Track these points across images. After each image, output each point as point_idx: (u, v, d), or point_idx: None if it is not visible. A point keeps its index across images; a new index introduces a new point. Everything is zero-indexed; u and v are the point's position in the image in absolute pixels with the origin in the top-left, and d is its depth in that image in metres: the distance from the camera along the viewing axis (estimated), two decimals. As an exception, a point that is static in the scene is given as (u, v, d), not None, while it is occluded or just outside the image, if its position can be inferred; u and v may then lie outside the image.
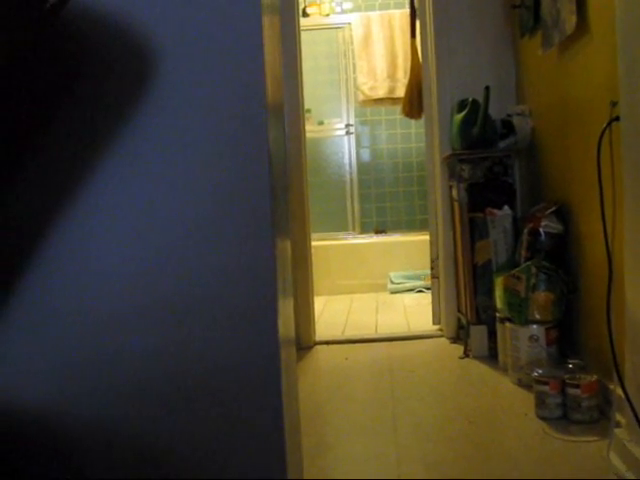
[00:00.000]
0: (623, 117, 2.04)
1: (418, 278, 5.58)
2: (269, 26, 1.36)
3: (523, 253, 2.94)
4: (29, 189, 1.23)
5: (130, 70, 1.24)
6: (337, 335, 4.03)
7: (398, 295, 5.48)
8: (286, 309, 1.38)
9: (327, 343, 3.84)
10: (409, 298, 5.33)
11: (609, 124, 2.17)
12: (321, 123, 6.25)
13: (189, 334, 1.24)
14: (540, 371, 2.53)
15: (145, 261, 1.24)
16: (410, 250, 5.80)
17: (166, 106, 1.24)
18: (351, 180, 6.36)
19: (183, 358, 1.24)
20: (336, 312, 4.90)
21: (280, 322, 1.27)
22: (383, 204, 6.47)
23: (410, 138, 6.43)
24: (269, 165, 1.26)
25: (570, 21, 2.58)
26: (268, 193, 1.26)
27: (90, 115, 1.23)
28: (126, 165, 1.23)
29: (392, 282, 5.68)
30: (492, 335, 3.24)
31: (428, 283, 4.90)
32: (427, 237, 5.39)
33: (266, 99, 1.26)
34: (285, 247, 1.45)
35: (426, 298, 5.04)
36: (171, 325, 1.23)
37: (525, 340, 2.80)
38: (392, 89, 6.06)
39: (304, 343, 3.74)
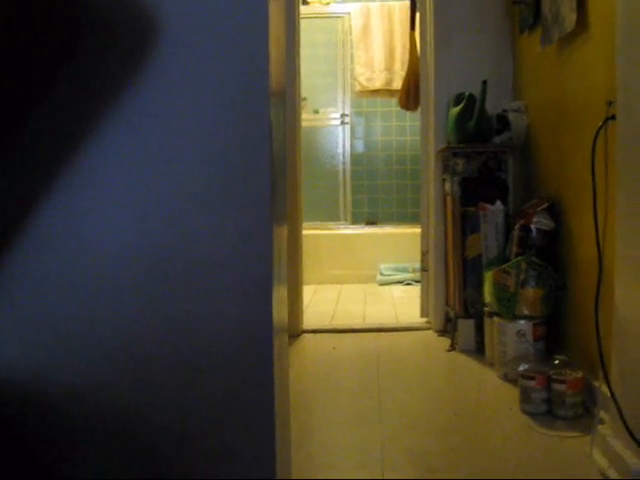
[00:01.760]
0: (619, 116, 2.05)
1: (407, 270, 5.59)
2: (275, 11, 1.35)
3: (514, 249, 2.95)
4: (25, 157, 1.22)
5: (132, 39, 1.23)
6: (325, 324, 4.04)
7: (387, 287, 5.50)
8: (280, 296, 1.39)
9: (315, 332, 3.84)
10: (398, 290, 5.35)
11: (604, 123, 2.17)
12: (316, 112, 6.24)
13: (182, 311, 1.24)
14: (526, 366, 2.54)
15: (143, 236, 1.24)
16: (400, 242, 5.80)
17: (168, 84, 1.23)
18: (344, 170, 6.36)
19: (177, 333, 1.24)
20: (325, 301, 4.90)
21: (274, 309, 1.27)
22: (375, 195, 6.47)
23: (405, 131, 6.42)
24: (270, 152, 1.26)
25: (570, 18, 2.58)
26: (268, 180, 1.26)
27: (90, 84, 1.22)
28: (125, 138, 1.23)
29: (381, 274, 5.69)
30: (479, 329, 3.25)
31: (417, 276, 4.93)
32: (418, 230, 5.44)
33: (269, 85, 1.25)
34: (281, 234, 1.45)
35: (415, 291, 5.05)
36: (166, 301, 1.23)
37: (512, 335, 2.81)
38: (389, 81, 6.05)
39: (291, 331, 3.74)
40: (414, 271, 5.29)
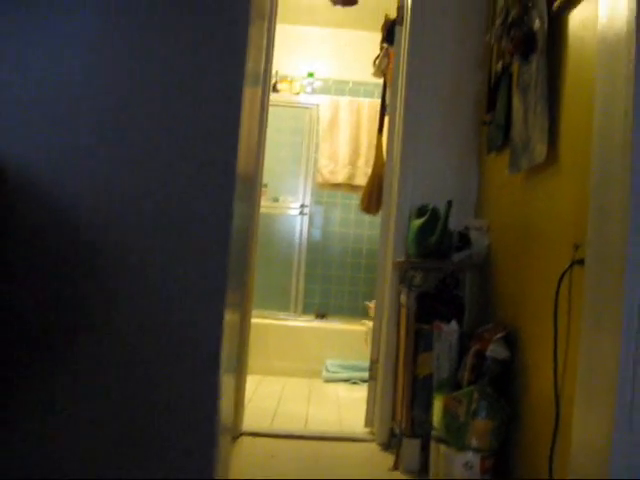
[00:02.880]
0: (589, 261, 2.00)
1: (354, 368, 5.47)
2: (249, 99, 1.38)
3: (466, 375, 2.86)
4: None
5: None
6: (265, 427, 3.88)
7: (332, 384, 5.36)
8: (228, 389, 1.32)
9: (254, 435, 3.68)
10: (343, 389, 5.22)
11: (570, 266, 2.13)
12: (276, 200, 6.19)
13: None
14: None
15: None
16: (349, 339, 5.71)
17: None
18: (299, 259, 6.28)
19: None
20: (268, 396, 4.74)
21: (220, 406, 1.20)
22: (328, 286, 6.41)
23: (363, 224, 6.40)
24: (229, 238, 1.26)
25: (540, 150, 2.57)
26: (225, 266, 1.25)
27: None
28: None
29: (327, 370, 5.55)
30: (425, 449, 3.13)
31: (364, 375, 4.81)
32: (365, 328, 5.39)
33: (237, 173, 1.27)
34: (234, 320, 1.41)
35: (360, 391, 4.94)
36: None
37: (459, 466, 2.71)
38: (352, 176, 6.05)
39: (232, 432, 3.57)
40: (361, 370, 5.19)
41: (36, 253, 1.43)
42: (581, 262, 2.06)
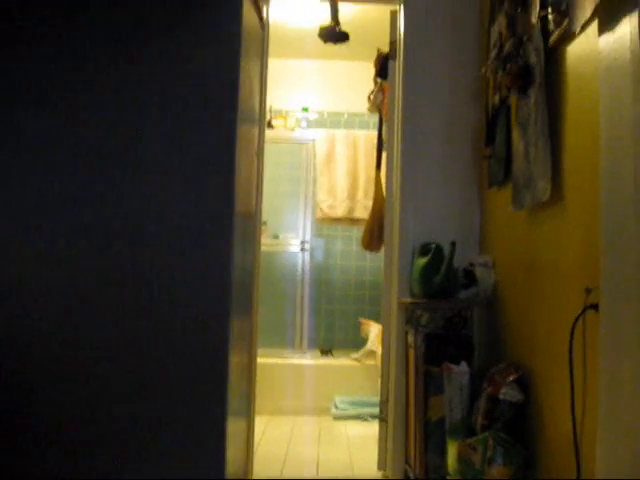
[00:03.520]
0: (603, 306, 1.94)
1: (363, 404, 5.39)
2: (245, 137, 1.36)
3: (479, 419, 2.78)
4: None
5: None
6: (276, 475, 3.79)
7: (342, 422, 5.26)
8: (237, 433, 1.28)
9: (265, 485, 3.60)
10: (353, 427, 5.12)
11: (583, 312, 2.06)
12: (276, 237, 6.13)
13: None
14: None
15: None
16: (357, 374, 5.63)
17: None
18: (302, 295, 6.21)
19: None
20: (276, 439, 4.65)
21: (229, 455, 1.16)
22: (332, 320, 6.34)
23: (365, 256, 6.33)
24: (229, 283, 1.22)
25: (544, 188, 2.50)
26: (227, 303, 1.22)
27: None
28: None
29: (337, 407, 5.46)
30: (441, 494, 3.05)
31: (374, 411, 4.73)
32: (373, 362, 5.32)
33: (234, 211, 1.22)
34: (240, 363, 1.37)
35: (371, 427, 4.86)
36: None
37: (478, 514, 2.62)
38: (351, 209, 6.00)
39: (240, 483, 3.49)
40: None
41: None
42: (594, 307, 1.99)
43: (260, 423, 4.49)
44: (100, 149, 1.43)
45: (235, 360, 1.29)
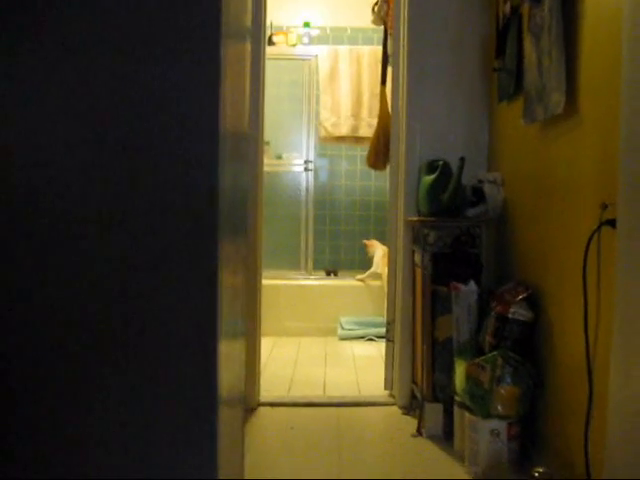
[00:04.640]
0: (620, 221, 1.85)
1: (369, 324, 5.38)
2: (234, 54, 1.28)
3: (488, 339, 2.74)
4: None
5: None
6: (282, 395, 3.78)
7: (348, 342, 5.26)
8: (232, 356, 1.25)
9: (272, 405, 3.59)
10: (359, 347, 5.12)
11: (599, 228, 1.98)
12: (279, 157, 6.01)
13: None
14: None
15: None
16: (362, 295, 5.61)
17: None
18: (306, 217, 6.13)
19: None
20: (283, 360, 4.65)
21: (221, 374, 1.12)
22: (337, 242, 6.28)
23: (370, 176, 6.23)
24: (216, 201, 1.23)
25: (557, 100, 2.39)
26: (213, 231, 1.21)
27: None
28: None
29: (342, 327, 5.46)
30: (448, 413, 3.04)
31: (380, 331, 4.73)
32: (379, 282, 5.28)
33: (220, 130, 1.22)
34: (233, 281, 1.33)
35: (376, 348, 4.86)
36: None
37: (485, 434, 2.60)
38: (355, 128, 5.86)
39: (247, 404, 3.48)
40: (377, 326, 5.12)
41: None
42: (611, 223, 1.92)
43: (266, 344, 4.47)
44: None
45: (228, 281, 1.23)
